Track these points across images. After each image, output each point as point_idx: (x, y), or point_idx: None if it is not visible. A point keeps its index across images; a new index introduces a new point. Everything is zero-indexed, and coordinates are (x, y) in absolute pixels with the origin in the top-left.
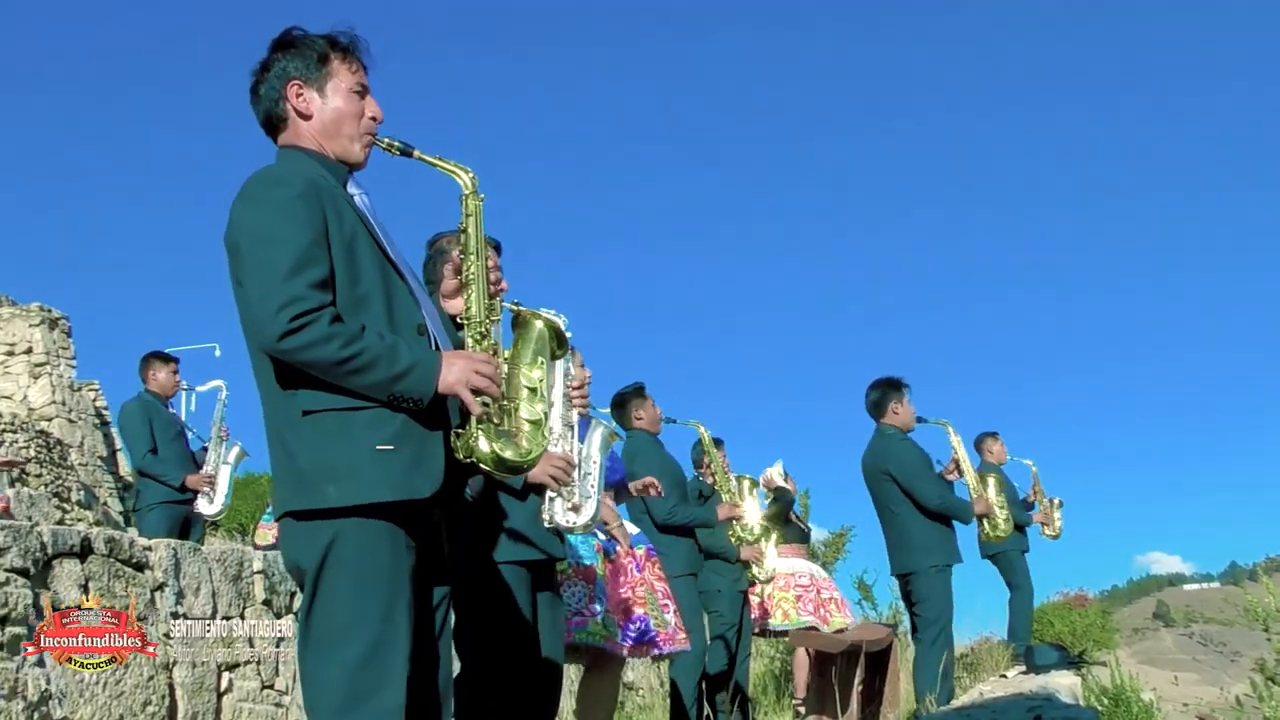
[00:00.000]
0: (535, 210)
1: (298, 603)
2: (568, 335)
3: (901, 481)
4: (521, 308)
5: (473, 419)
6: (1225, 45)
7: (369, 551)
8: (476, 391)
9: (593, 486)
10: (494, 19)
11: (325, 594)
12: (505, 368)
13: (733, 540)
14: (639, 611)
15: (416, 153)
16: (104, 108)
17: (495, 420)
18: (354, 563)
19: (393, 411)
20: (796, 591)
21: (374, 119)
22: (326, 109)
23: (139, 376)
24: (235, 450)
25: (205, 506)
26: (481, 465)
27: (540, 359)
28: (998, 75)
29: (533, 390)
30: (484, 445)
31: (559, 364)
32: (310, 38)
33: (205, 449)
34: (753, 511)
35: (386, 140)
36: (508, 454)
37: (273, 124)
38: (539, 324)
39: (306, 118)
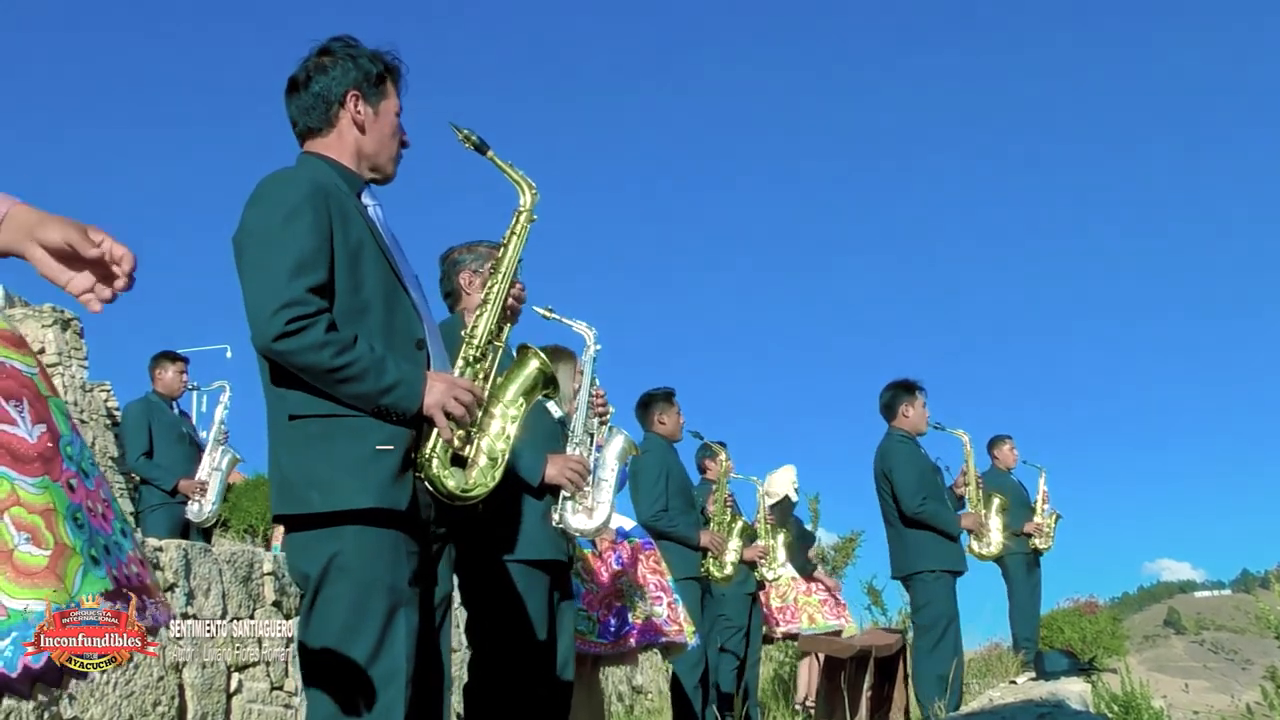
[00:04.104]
0: (556, 216)
1: None
2: (593, 348)
3: (893, 483)
4: (551, 311)
5: (434, 440)
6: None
7: (371, 560)
8: (450, 416)
9: (607, 493)
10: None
11: (327, 600)
12: (485, 396)
13: (702, 570)
14: (618, 605)
15: (490, 153)
16: (118, 108)
17: (455, 445)
18: (356, 570)
19: (380, 422)
20: (821, 595)
21: (404, 144)
22: (375, 126)
23: (149, 376)
24: (229, 457)
25: (192, 512)
26: (428, 484)
27: (520, 400)
28: (1013, 80)
29: (501, 428)
30: (435, 468)
31: (585, 371)
32: (372, 54)
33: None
34: (732, 554)
35: (465, 132)
36: (450, 483)
37: (312, 126)
38: (535, 364)
39: (359, 129)
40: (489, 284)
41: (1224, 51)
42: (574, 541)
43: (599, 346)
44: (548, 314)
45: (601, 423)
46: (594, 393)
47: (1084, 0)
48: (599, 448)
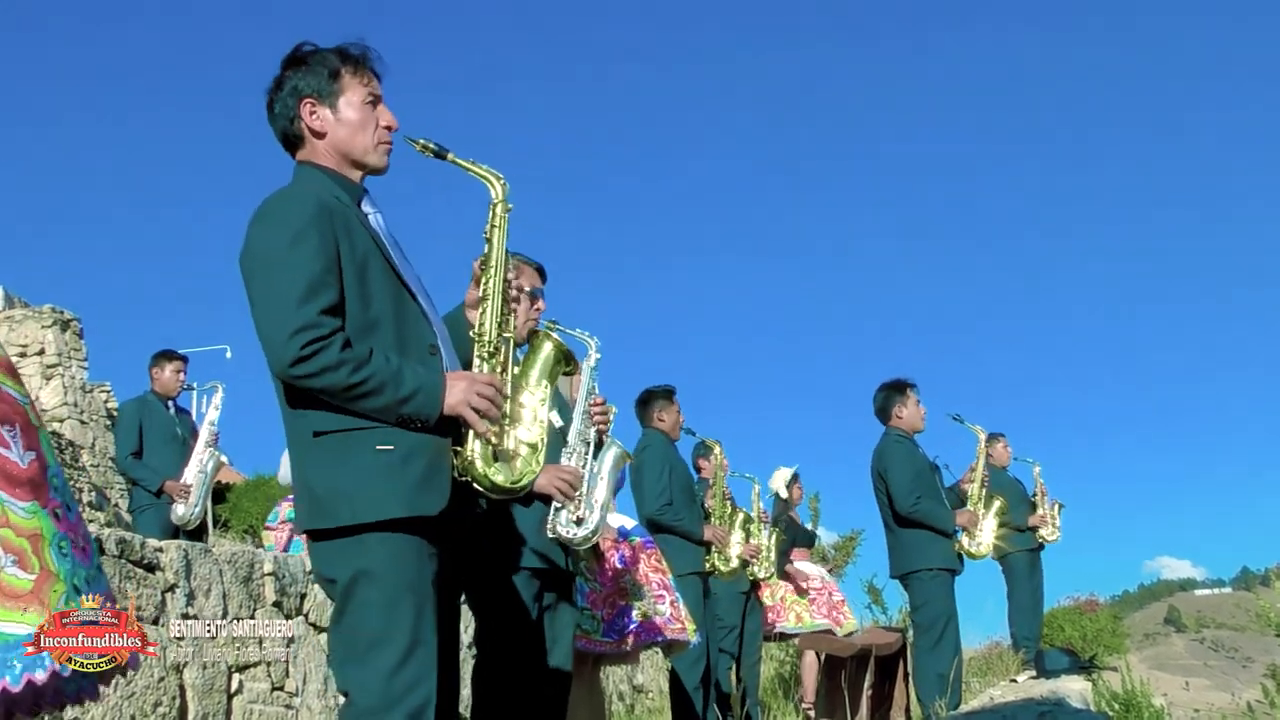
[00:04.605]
0: (551, 217)
1: (308, 605)
2: (594, 357)
3: (888, 484)
4: (554, 324)
5: (470, 438)
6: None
7: (396, 564)
8: (477, 413)
9: (598, 501)
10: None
11: (357, 605)
12: (509, 388)
13: (707, 564)
14: (621, 603)
15: (450, 156)
16: (119, 106)
17: (493, 441)
18: (383, 575)
19: (402, 430)
20: (810, 595)
21: (388, 127)
22: (340, 125)
23: (148, 375)
24: (215, 460)
25: (176, 514)
26: (476, 485)
27: (544, 381)
28: (1013, 76)
29: (533, 413)
30: (479, 466)
31: (583, 380)
32: (321, 53)
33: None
34: (735, 547)
35: (421, 141)
36: (498, 478)
37: (290, 141)
38: (549, 345)
39: (320, 136)
40: (484, 279)
41: (1222, 47)
42: (573, 550)
43: (599, 355)
44: (551, 326)
45: (600, 431)
46: (592, 401)
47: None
48: (595, 456)
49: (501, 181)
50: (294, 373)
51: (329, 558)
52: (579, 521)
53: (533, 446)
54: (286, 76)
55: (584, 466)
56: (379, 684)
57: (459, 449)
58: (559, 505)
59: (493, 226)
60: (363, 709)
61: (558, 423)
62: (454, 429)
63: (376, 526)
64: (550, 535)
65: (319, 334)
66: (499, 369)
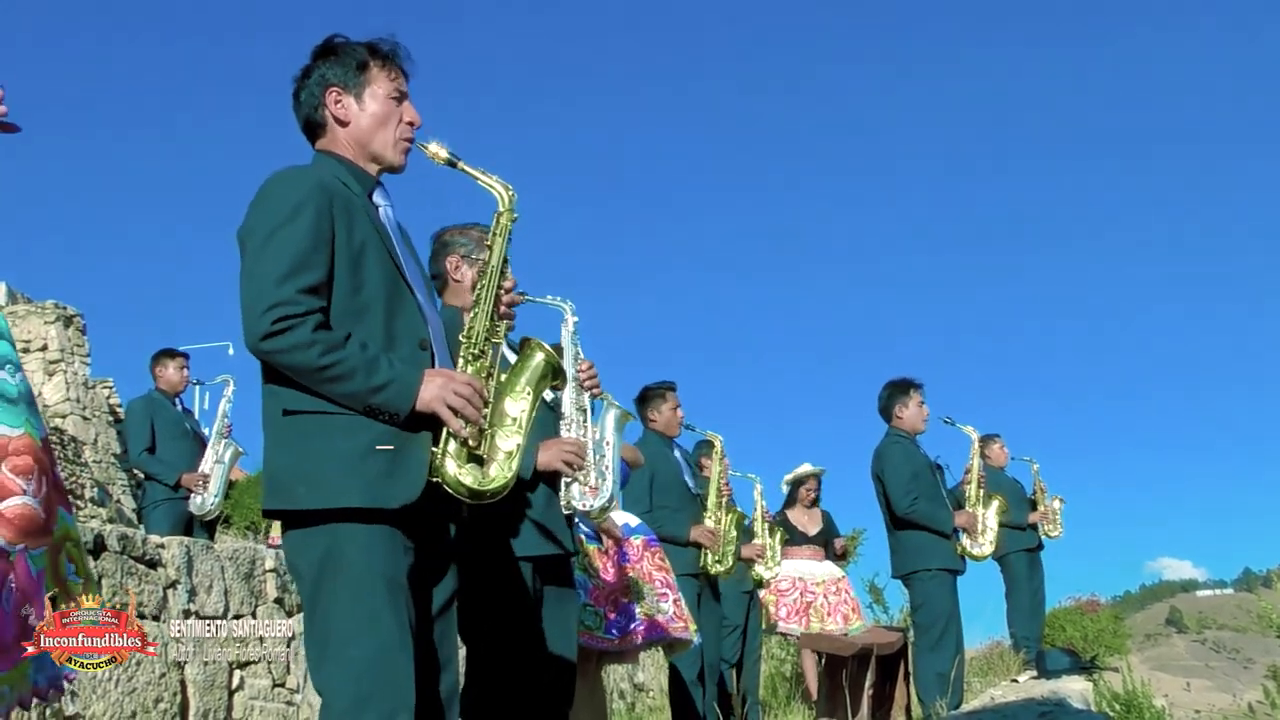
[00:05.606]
0: (559, 210)
1: None
2: (571, 320)
3: (885, 484)
4: (524, 295)
5: (443, 438)
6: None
7: (366, 555)
8: (453, 411)
9: (608, 468)
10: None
11: (326, 598)
12: (491, 393)
13: (701, 565)
14: (625, 601)
15: (461, 164)
16: (121, 104)
17: (471, 443)
18: (351, 567)
19: (374, 420)
20: (775, 595)
21: (411, 124)
22: (363, 116)
23: (150, 373)
24: (231, 450)
25: (195, 505)
26: (445, 487)
27: (528, 390)
28: (1009, 78)
29: (514, 420)
30: (450, 468)
31: (566, 347)
32: (351, 45)
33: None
34: (731, 546)
35: (432, 147)
36: (467, 480)
37: (312, 129)
38: (540, 356)
39: (343, 124)
40: (478, 285)
41: (1219, 49)
42: (573, 531)
43: (577, 319)
44: (520, 299)
45: (592, 396)
46: (580, 367)
47: (1078, 1)
48: (595, 421)
49: (510, 193)
50: (264, 348)
51: (299, 546)
52: (594, 490)
53: (508, 454)
54: (315, 66)
55: (585, 435)
56: (350, 684)
57: (433, 449)
58: (569, 479)
59: (494, 235)
60: (336, 712)
61: (548, 396)
62: (435, 427)
63: (345, 515)
64: (566, 510)
65: (293, 311)
66: (483, 373)
